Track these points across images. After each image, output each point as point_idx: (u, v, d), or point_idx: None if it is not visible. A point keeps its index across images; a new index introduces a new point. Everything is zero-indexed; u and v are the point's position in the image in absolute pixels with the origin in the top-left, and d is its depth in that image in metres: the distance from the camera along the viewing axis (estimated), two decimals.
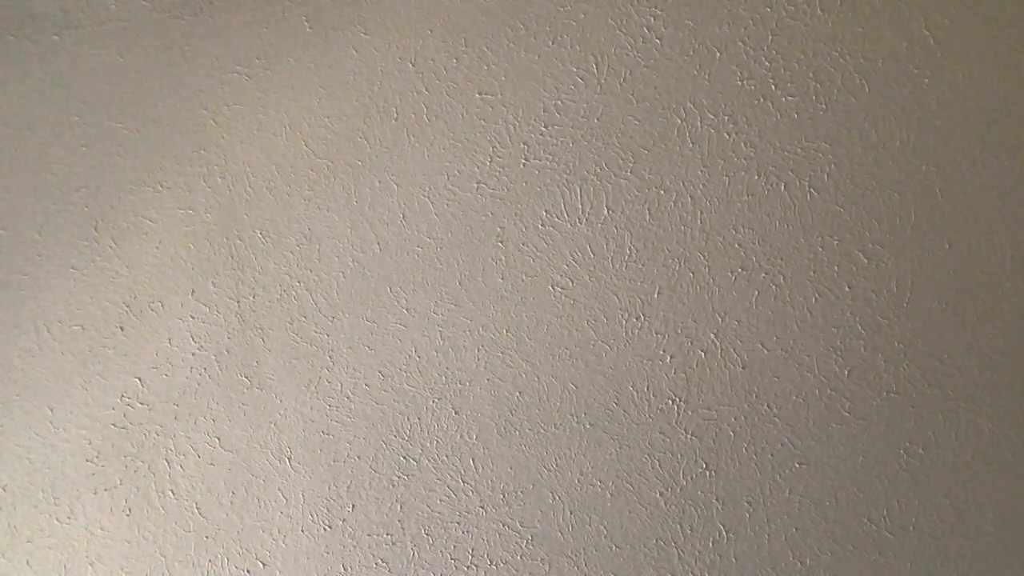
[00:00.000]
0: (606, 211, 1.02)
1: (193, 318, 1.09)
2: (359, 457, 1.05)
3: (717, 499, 1.00)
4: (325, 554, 1.05)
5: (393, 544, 1.04)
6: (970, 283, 0.96)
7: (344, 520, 1.05)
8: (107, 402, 1.09)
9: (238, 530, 1.07)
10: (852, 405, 0.98)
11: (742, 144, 1.00)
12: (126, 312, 1.10)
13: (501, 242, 1.04)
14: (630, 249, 1.02)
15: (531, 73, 1.04)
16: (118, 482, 1.09)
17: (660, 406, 1.01)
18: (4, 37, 1.13)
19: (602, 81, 1.02)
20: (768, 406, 0.99)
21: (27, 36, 1.13)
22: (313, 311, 1.07)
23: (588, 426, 1.02)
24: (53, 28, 1.12)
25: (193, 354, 1.09)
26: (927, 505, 0.97)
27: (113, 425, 1.09)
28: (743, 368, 1.00)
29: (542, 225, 1.03)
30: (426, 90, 1.06)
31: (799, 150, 0.99)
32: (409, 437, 1.05)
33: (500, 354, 1.04)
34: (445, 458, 1.04)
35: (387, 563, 1.04)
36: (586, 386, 1.02)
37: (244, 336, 1.08)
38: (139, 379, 1.09)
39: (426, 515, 1.04)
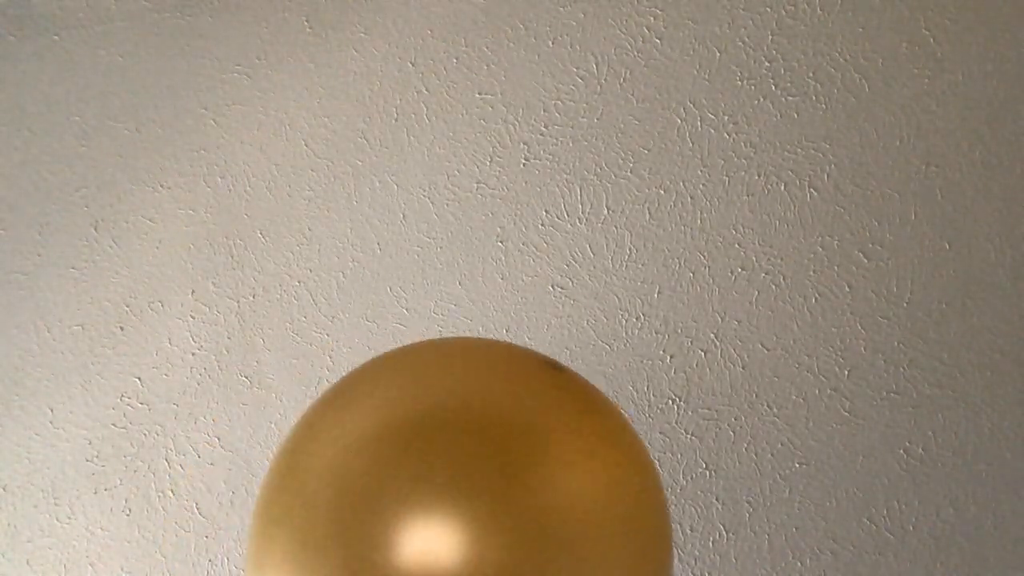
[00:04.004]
0: (606, 211, 1.02)
1: (193, 318, 1.09)
2: None
3: (717, 499, 1.00)
4: None
5: None
6: (970, 283, 0.96)
7: None
8: (107, 402, 1.09)
9: (238, 530, 1.07)
10: (852, 405, 0.98)
11: (742, 144, 1.00)
12: (126, 312, 1.10)
13: (501, 242, 1.04)
14: (630, 249, 1.02)
15: (531, 73, 1.04)
16: (118, 482, 1.09)
17: (660, 406, 1.01)
18: (4, 37, 1.13)
19: (602, 81, 1.02)
20: (768, 406, 0.99)
21: (27, 36, 1.13)
22: (313, 311, 1.07)
23: None
24: (53, 28, 1.12)
25: (193, 354, 1.09)
26: (927, 505, 0.97)
27: (113, 425, 1.09)
28: (743, 368, 1.00)
29: (542, 225, 1.03)
30: (426, 90, 1.06)
31: (799, 150, 0.99)
32: None
33: None
34: None
35: None
36: None
37: (244, 336, 1.08)
38: (139, 379, 1.09)
39: None
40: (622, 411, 0.51)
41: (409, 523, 0.39)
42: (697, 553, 1.00)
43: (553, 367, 0.46)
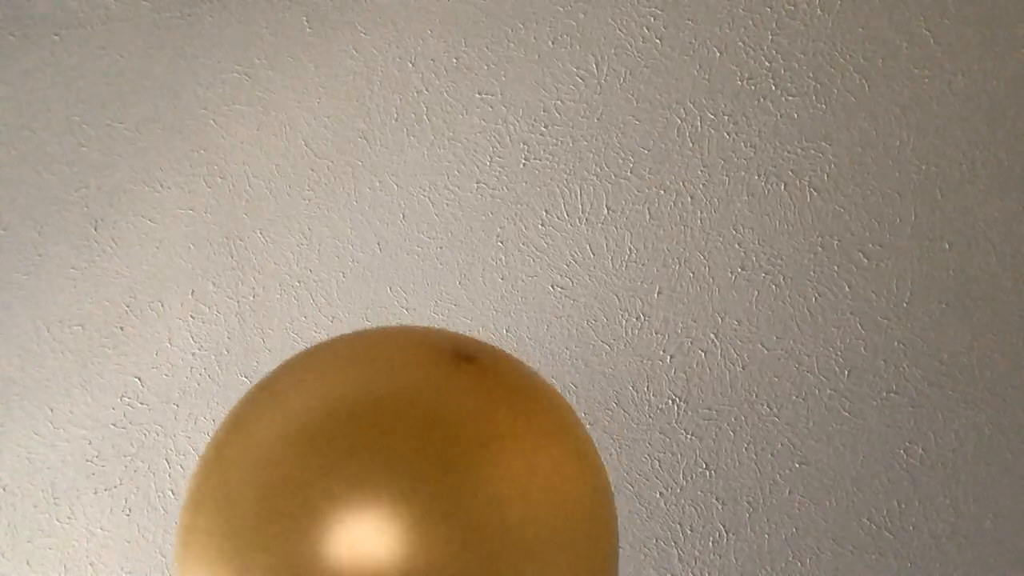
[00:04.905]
0: (606, 211, 1.02)
1: (193, 318, 1.09)
2: None
3: (717, 499, 1.00)
4: None
5: None
6: (970, 283, 0.96)
7: None
8: (107, 402, 1.09)
9: None
10: (852, 405, 0.98)
11: (742, 144, 1.00)
12: (126, 312, 1.10)
13: (501, 242, 1.04)
14: (630, 249, 1.02)
15: (531, 73, 1.04)
16: (118, 482, 1.09)
17: (660, 406, 1.01)
18: (4, 37, 1.13)
19: (602, 81, 1.02)
20: (768, 406, 0.99)
21: (27, 36, 1.13)
22: (313, 311, 1.07)
23: (588, 426, 1.02)
24: (53, 28, 1.12)
25: (193, 354, 1.09)
26: (927, 505, 0.97)
27: (113, 425, 1.09)
28: (743, 368, 1.00)
29: (542, 225, 1.03)
30: (426, 90, 1.06)
31: (799, 150, 0.99)
32: None
33: None
34: None
35: None
36: (586, 386, 1.02)
37: (244, 336, 1.08)
38: (139, 379, 1.09)
39: None
40: (562, 398, 0.50)
41: (337, 519, 0.38)
42: (697, 553, 1.00)
43: (465, 358, 0.44)
